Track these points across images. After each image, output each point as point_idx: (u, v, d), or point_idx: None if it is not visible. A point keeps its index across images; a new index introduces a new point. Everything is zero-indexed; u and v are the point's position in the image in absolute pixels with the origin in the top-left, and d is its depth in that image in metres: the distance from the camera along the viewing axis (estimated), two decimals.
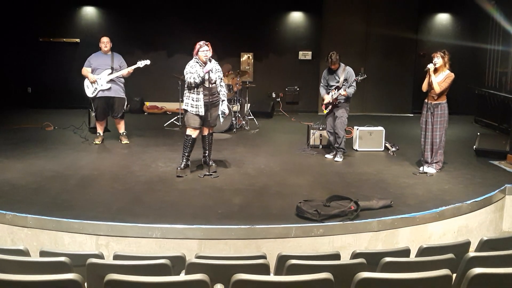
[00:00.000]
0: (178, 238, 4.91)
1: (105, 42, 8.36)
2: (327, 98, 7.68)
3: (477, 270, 2.78)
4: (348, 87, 7.50)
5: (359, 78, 7.50)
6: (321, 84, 7.87)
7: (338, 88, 7.58)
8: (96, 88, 8.26)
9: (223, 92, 6.71)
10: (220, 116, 6.72)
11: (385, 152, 8.36)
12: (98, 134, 8.63)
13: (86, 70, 8.32)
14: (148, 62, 8.33)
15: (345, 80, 7.58)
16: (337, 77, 7.63)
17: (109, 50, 8.38)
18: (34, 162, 7.28)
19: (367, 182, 6.65)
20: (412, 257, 3.84)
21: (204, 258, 3.44)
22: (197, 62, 6.50)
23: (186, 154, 6.76)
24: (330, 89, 7.69)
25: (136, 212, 5.32)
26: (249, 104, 11.15)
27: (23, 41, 12.40)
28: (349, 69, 7.64)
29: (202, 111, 6.50)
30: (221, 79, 6.69)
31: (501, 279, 2.81)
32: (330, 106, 7.71)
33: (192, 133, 6.67)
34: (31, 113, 11.48)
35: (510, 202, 6.36)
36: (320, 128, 8.49)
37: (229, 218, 5.19)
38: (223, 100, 6.69)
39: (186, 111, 6.63)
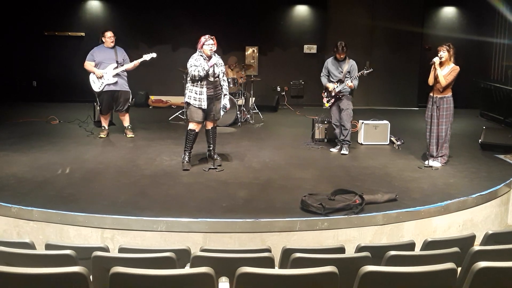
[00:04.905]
0: (183, 231, 4.93)
1: (111, 37, 8.32)
2: (331, 86, 7.63)
3: (482, 264, 2.78)
4: (353, 80, 7.48)
5: (365, 72, 7.46)
6: (322, 74, 7.81)
7: (340, 81, 7.55)
8: (103, 83, 8.26)
9: (225, 86, 6.71)
10: (221, 110, 6.73)
11: (390, 146, 8.34)
12: (103, 128, 8.64)
13: (90, 65, 8.28)
14: (154, 55, 8.28)
15: (348, 72, 7.56)
16: (340, 68, 7.60)
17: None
18: (39, 155, 7.30)
19: (372, 175, 6.64)
20: (417, 251, 3.85)
21: (209, 251, 3.45)
22: (201, 55, 6.49)
23: (188, 148, 6.77)
24: (332, 82, 7.67)
25: (141, 205, 5.33)
26: (254, 98, 11.13)
27: (28, 34, 12.40)
28: (352, 62, 7.63)
29: (205, 105, 6.50)
30: (223, 73, 6.68)
31: (506, 273, 2.81)
32: (333, 100, 7.70)
33: (195, 127, 6.68)
34: (36, 107, 11.49)
35: None
36: (325, 122, 8.47)
37: (233, 212, 5.20)
38: (225, 94, 6.70)
39: (188, 104, 6.64)
